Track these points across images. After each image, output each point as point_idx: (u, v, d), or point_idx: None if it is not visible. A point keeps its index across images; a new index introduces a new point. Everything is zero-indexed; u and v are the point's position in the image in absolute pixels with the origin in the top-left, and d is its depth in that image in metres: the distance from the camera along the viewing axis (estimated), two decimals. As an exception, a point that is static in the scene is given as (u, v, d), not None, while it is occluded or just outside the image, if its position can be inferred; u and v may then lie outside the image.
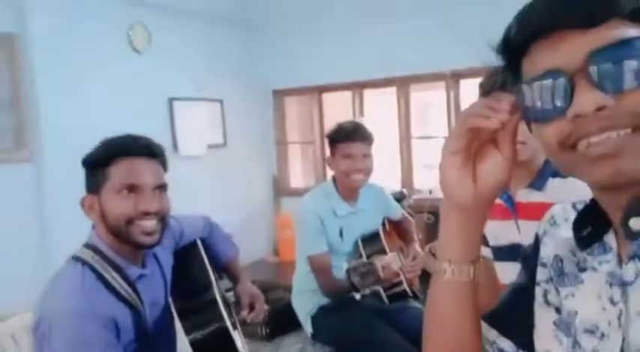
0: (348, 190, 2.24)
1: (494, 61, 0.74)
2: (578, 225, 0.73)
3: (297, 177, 5.99)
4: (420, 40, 4.65)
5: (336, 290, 2.09)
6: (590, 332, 0.68)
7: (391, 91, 5.20)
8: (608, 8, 0.59)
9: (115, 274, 1.18)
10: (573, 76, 0.60)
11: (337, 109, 5.51)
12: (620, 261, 0.67)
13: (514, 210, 1.43)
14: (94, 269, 1.17)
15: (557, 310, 0.76)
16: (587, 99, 0.58)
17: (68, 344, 1.08)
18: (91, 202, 1.22)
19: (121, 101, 4.09)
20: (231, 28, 5.21)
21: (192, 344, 1.33)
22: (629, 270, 0.65)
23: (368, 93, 5.43)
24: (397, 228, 2.51)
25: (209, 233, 1.70)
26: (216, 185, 4.83)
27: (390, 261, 1.97)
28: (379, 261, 1.93)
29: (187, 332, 1.34)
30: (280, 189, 5.85)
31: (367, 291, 1.98)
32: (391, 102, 5.25)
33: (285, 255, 5.25)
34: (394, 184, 4.87)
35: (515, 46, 0.67)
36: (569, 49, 0.60)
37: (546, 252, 0.81)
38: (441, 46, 4.52)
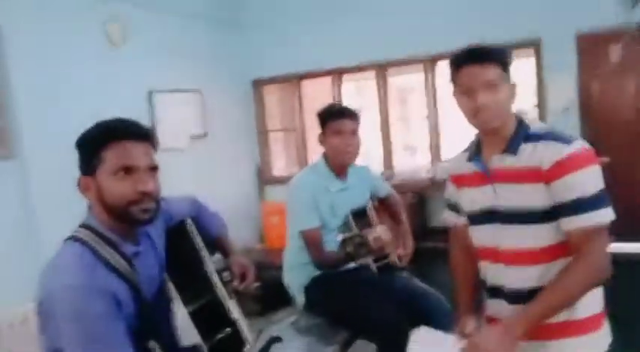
0: (338, 166, 2.33)
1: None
2: None
3: (280, 165, 6.04)
4: (397, 25, 4.70)
5: (329, 263, 2.20)
6: None
7: (369, 76, 5.27)
8: None
9: (111, 251, 1.22)
10: None
11: (316, 96, 5.56)
12: None
13: (489, 175, 1.50)
14: (91, 247, 1.21)
15: None
16: None
17: (72, 319, 1.12)
18: (86, 183, 1.26)
19: (100, 96, 4.09)
20: (209, 20, 5.21)
21: (191, 314, 1.40)
22: None
23: (347, 78, 5.48)
24: (384, 205, 2.61)
25: (197, 212, 1.75)
26: (200, 176, 4.85)
27: (380, 233, 2.07)
28: (370, 234, 2.03)
29: (186, 303, 1.40)
30: (264, 177, 5.90)
31: (358, 262, 2.05)
32: (370, 88, 5.31)
33: (271, 242, 5.31)
34: (376, 167, 4.95)
35: None
36: None
37: None
38: (418, 30, 4.59)
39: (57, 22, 3.83)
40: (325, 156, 2.36)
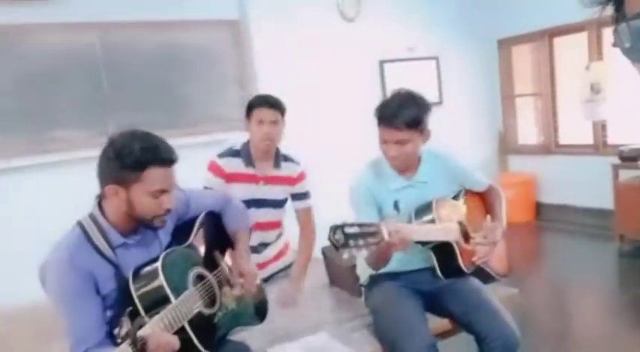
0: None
1: None
2: None
3: (527, 133, 5.51)
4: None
5: (373, 262, 1.95)
6: None
7: None
8: None
9: (101, 238, 1.47)
10: None
11: (570, 55, 4.85)
12: None
13: None
14: (86, 232, 1.47)
15: None
16: None
17: (54, 289, 1.42)
18: (116, 191, 1.47)
19: (332, 68, 4.38)
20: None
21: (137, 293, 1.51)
22: None
23: (609, 32, 4.60)
24: (483, 201, 2.20)
25: (221, 208, 1.87)
26: (434, 146, 4.78)
27: (417, 229, 1.82)
28: (388, 226, 1.67)
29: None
30: (507, 146, 5.50)
31: (361, 251, 1.59)
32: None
33: (511, 217, 4.96)
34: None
35: None
36: None
37: None
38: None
39: (292, 4, 4.21)
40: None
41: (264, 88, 4.06)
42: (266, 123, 2.27)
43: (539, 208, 5.29)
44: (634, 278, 3.51)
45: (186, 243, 1.65)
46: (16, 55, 3.44)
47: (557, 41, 4.95)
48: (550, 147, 5.17)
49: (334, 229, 1.56)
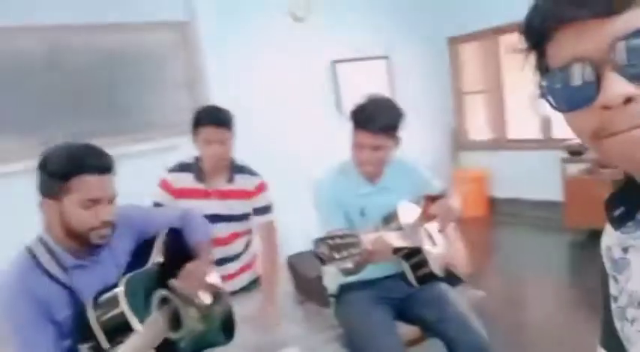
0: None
1: None
2: (610, 206, 0.72)
3: (477, 129, 5.61)
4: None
5: (350, 271, 1.92)
6: (632, 303, 0.69)
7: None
8: None
9: (51, 261, 1.39)
10: (600, 65, 0.57)
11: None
12: None
13: None
14: (35, 257, 1.39)
15: (616, 299, 0.75)
16: (615, 90, 0.56)
17: (6, 317, 1.34)
18: (48, 205, 1.40)
19: (284, 70, 4.33)
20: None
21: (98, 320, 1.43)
22: None
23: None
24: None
25: (181, 223, 1.80)
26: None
27: (392, 237, 1.75)
28: (368, 236, 1.65)
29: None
30: (459, 142, 5.58)
31: (346, 263, 1.54)
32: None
33: (465, 212, 5.04)
34: None
35: (538, 33, 0.63)
36: (594, 37, 0.57)
37: (602, 248, 0.79)
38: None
39: (242, 5, 4.13)
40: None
41: (214, 91, 3.98)
42: (213, 144, 2.14)
43: (493, 203, 5.39)
44: (585, 269, 3.61)
45: (148, 264, 1.56)
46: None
47: (504, 39, 5.05)
48: (501, 142, 5.29)
49: (317, 242, 1.50)
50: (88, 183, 1.36)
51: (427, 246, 1.91)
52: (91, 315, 1.34)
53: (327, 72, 4.70)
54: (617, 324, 0.73)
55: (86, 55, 3.64)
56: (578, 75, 0.59)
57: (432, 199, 2.12)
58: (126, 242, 1.55)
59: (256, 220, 2.34)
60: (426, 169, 2.23)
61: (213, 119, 2.15)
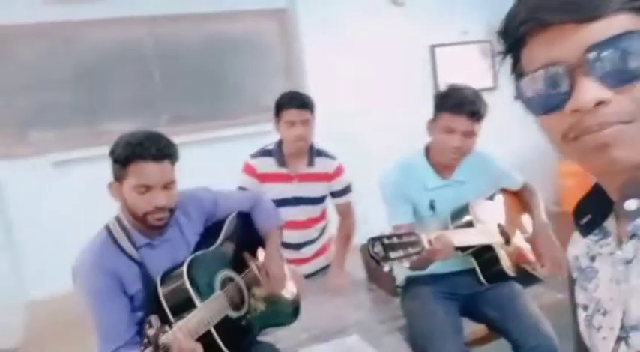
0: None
1: None
2: (578, 213, 0.74)
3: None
4: None
5: (414, 268, 1.86)
6: (599, 311, 0.71)
7: None
8: (606, 1, 0.58)
9: (125, 238, 1.50)
10: (573, 70, 0.59)
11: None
12: (620, 243, 0.69)
13: None
14: (112, 234, 1.51)
15: (585, 308, 0.76)
16: (586, 93, 0.58)
17: (85, 290, 1.45)
18: (116, 187, 1.52)
19: (383, 55, 4.29)
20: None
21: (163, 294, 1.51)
22: (628, 249, 0.67)
23: None
24: (519, 199, 2.09)
25: (250, 207, 1.85)
26: (489, 133, 4.63)
27: (457, 234, 1.68)
28: (430, 234, 1.61)
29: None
30: (567, 132, 5.24)
31: (402, 263, 1.52)
32: None
33: (568, 206, 4.75)
34: None
35: (513, 38, 0.66)
36: (568, 43, 0.59)
37: (568, 258, 0.80)
38: None
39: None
40: (427, 148, 2.02)
41: (312, 77, 4.04)
42: (296, 125, 2.23)
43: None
44: None
45: (215, 245, 1.65)
46: (71, 51, 3.56)
47: None
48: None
49: (372, 242, 1.48)
50: (142, 169, 1.45)
51: (500, 243, 1.83)
52: (160, 290, 1.45)
53: (426, 56, 4.60)
54: (585, 332, 0.74)
55: (190, 44, 3.85)
56: (552, 79, 0.60)
57: (509, 193, 2.08)
58: (196, 223, 1.65)
59: (335, 201, 2.43)
60: (504, 161, 2.13)
61: (295, 102, 2.25)
